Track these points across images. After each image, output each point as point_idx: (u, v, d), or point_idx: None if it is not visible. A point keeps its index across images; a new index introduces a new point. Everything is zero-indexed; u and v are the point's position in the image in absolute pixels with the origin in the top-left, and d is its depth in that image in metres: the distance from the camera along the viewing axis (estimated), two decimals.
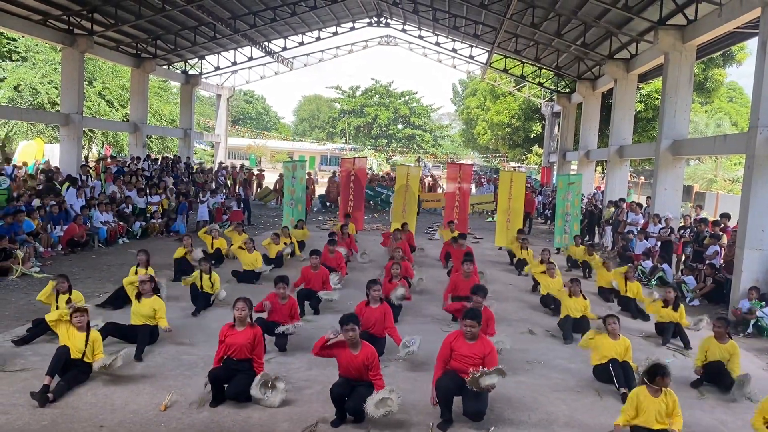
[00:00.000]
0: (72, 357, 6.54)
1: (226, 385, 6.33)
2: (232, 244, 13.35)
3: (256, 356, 6.51)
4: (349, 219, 15.86)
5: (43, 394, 6.03)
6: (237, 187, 25.53)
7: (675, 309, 9.27)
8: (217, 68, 31.26)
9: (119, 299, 9.32)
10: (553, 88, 29.45)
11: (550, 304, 10.50)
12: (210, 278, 9.85)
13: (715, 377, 7.42)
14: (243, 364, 6.43)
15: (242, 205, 19.94)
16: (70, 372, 6.48)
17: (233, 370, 6.35)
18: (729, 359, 7.44)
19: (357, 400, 5.90)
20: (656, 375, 5.75)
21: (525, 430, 6.05)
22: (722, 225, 13.77)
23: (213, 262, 10.74)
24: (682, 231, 14.82)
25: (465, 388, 5.92)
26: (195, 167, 26.96)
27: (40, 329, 7.74)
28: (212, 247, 13.05)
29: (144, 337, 7.63)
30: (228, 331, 6.50)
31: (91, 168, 20.37)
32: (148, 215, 17.16)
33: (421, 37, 30.74)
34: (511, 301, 11.43)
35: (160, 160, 25.41)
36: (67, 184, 16.06)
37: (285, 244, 13.46)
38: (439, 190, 28.10)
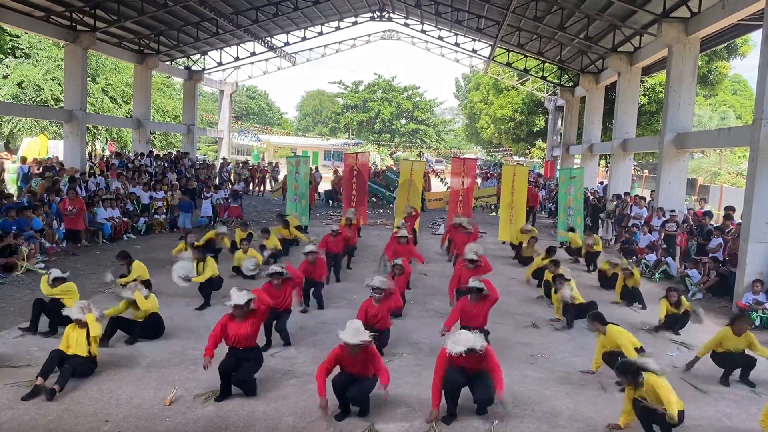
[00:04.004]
0: (78, 354, 6.60)
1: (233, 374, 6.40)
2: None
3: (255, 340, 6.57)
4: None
5: (35, 394, 6.09)
6: (236, 182, 25.57)
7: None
8: (220, 64, 31.23)
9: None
10: (557, 81, 29.33)
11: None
12: (204, 265, 9.93)
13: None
14: (250, 353, 6.47)
15: (240, 201, 19.91)
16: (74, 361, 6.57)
17: (241, 360, 6.40)
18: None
19: (360, 390, 5.95)
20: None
21: (529, 423, 6.06)
22: (731, 218, 13.71)
23: (211, 254, 10.75)
24: (685, 225, 14.80)
25: (472, 380, 5.97)
26: (199, 164, 27.01)
27: (39, 310, 7.98)
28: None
29: (146, 330, 7.89)
30: (229, 322, 6.47)
31: (95, 164, 20.42)
32: (152, 211, 17.21)
33: (423, 32, 30.63)
34: (514, 295, 11.42)
35: (162, 156, 25.47)
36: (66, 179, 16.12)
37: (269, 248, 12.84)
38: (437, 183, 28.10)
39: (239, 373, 6.33)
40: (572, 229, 15.57)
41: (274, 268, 8.10)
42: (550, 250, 11.94)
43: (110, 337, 7.72)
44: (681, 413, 5.56)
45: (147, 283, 9.47)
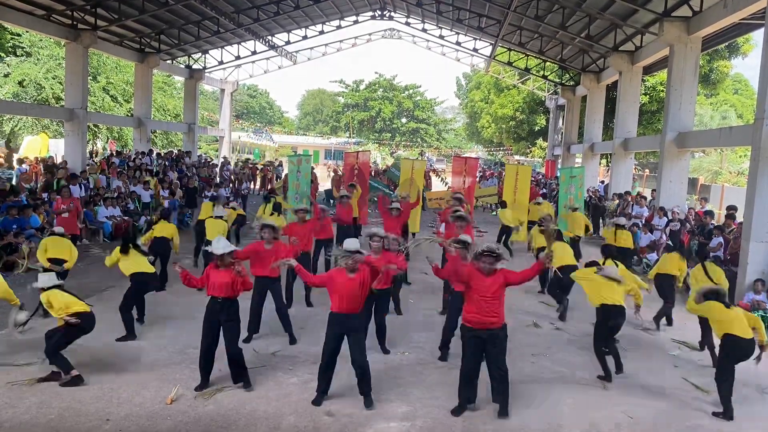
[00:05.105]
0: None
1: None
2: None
3: (237, 291, 6.53)
4: (353, 188, 15.71)
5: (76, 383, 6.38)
6: (237, 182, 25.54)
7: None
8: (221, 63, 31.20)
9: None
10: (558, 80, 29.30)
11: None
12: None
13: None
14: (226, 303, 6.42)
15: (240, 200, 19.95)
16: None
17: (219, 314, 6.40)
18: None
19: (358, 351, 6.10)
20: None
21: (530, 423, 6.06)
22: (734, 217, 13.69)
23: None
24: (686, 224, 14.79)
25: (488, 345, 6.05)
26: (200, 163, 27.00)
27: None
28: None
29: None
30: (212, 271, 6.50)
31: (96, 163, 20.42)
32: (153, 208, 17.20)
33: (424, 30, 30.58)
34: (515, 293, 11.40)
35: (163, 154, 25.48)
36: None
37: None
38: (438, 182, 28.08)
39: (226, 340, 6.41)
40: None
41: (267, 221, 8.05)
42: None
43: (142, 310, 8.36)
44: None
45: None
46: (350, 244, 6.26)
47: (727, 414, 6.38)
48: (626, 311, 7.30)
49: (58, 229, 9.27)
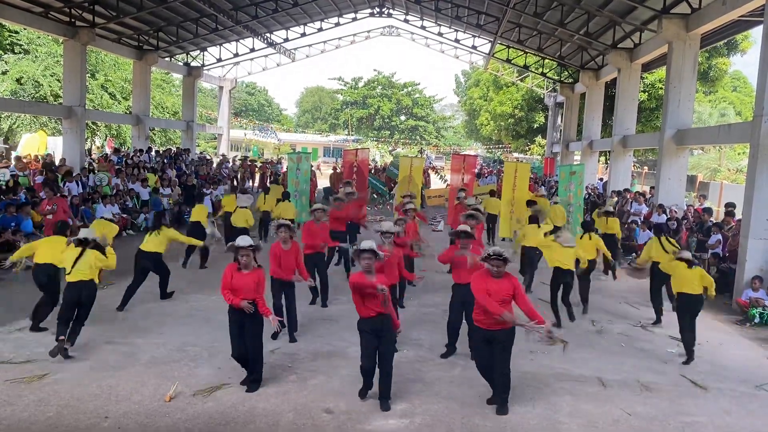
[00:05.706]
0: None
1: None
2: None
3: (260, 296, 6.38)
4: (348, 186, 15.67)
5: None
6: (237, 180, 25.54)
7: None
8: (219, 60, 31.15)
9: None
10: (556, 78, 29.29)
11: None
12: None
13: None
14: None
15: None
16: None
17: (243, 324, 6.30)
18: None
19: (386, 356, 6.12)
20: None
21: (529, 419, 6.06)
22: (733, 214, 13.71)
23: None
24: (685, 221, 14.80)
25: (495, 349, 6.13)
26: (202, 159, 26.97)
27: None
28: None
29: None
30: (234, 274, 6.34)
31: (94, 161, 20.40)
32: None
33: (423, 28, 30.56)
34: None
35: (161, 152, 25.45)
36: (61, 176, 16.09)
37: None
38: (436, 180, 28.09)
39: (248, 337, 6.30)
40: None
41: (282, 221, 8.04)
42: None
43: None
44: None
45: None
46: (367, 243, 6.24)
47: (688, 359, 7.80)
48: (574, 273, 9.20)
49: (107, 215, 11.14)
